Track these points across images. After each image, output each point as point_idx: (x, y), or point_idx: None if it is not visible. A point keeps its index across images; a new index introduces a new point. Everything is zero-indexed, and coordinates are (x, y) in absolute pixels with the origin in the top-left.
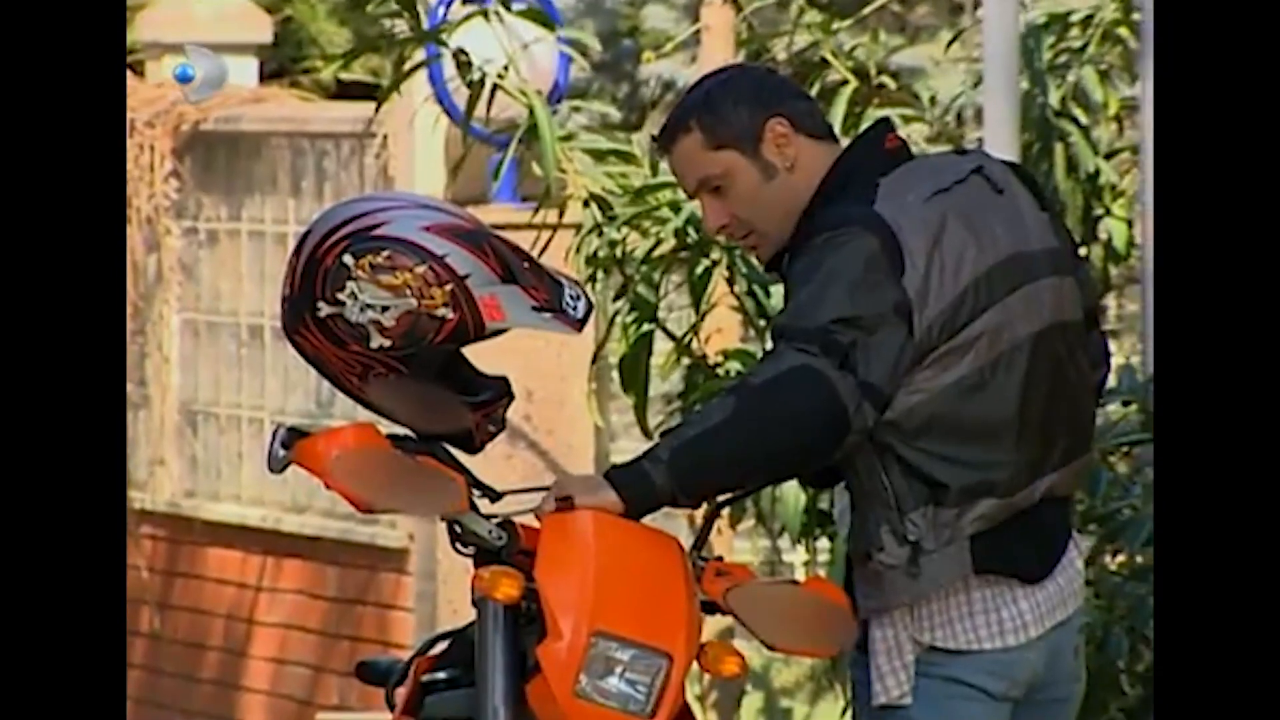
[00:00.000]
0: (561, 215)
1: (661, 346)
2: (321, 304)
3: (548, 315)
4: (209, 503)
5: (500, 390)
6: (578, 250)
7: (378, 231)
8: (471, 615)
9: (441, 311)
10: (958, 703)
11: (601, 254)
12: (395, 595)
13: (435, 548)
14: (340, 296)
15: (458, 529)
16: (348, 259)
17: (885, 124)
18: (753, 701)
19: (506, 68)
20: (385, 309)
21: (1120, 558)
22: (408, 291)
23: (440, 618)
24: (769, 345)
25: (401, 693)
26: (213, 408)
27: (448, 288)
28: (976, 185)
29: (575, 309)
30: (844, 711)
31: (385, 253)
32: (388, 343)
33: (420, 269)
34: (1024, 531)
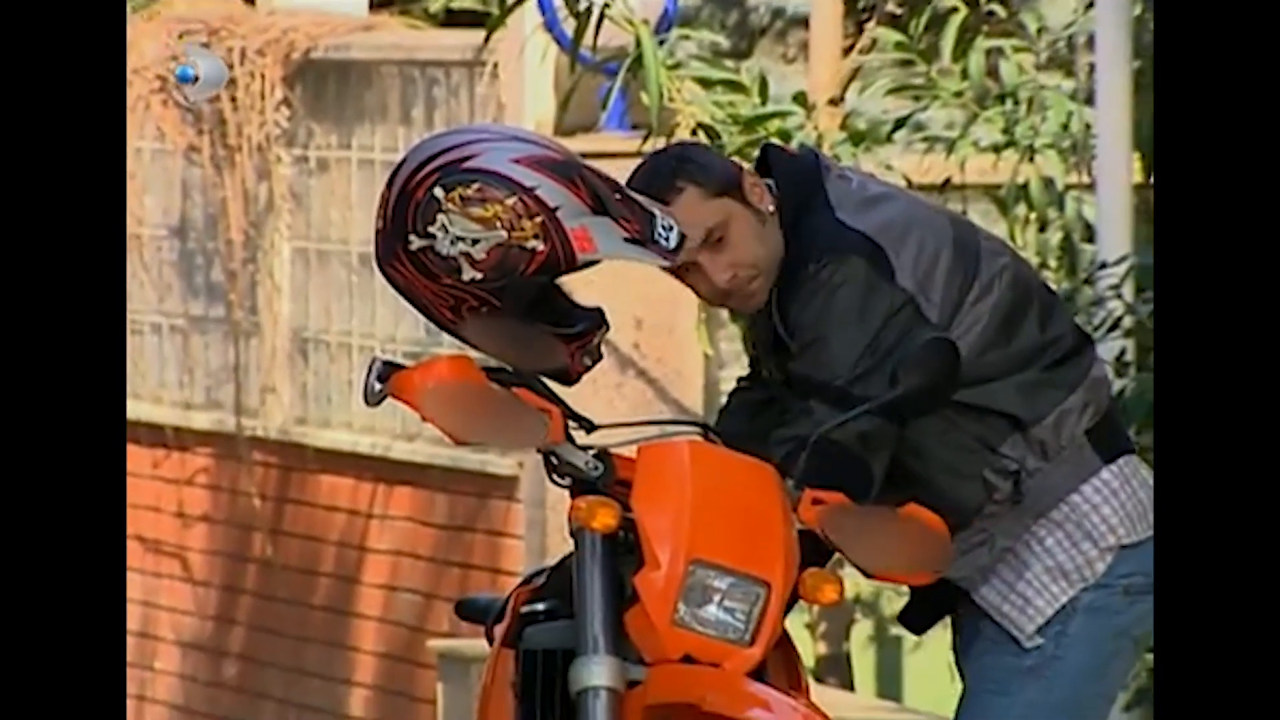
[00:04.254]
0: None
1: None
2: (413, 237)
3: (640, 246)
4: (320, 430)
5: (595, 322)
6: None
7: (468, 164)
8: None
9: (532, 244)
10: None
11: None
12: (505, 522)
13: (544, 474)
14: (431, 229)
15: (554, 460)
16: (438, 191)
17: (772, 148)
18: (862, 629)
19: None
20: (476, 241)
21: None
22: (498, 224)
23: (550, 545)
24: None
25: (501, 626)
26: (323, 335)
27: (538, 220)
28: None
29: (668, 239)
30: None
31: (475, 185)
32: (479, 275)
33: (510, 201)
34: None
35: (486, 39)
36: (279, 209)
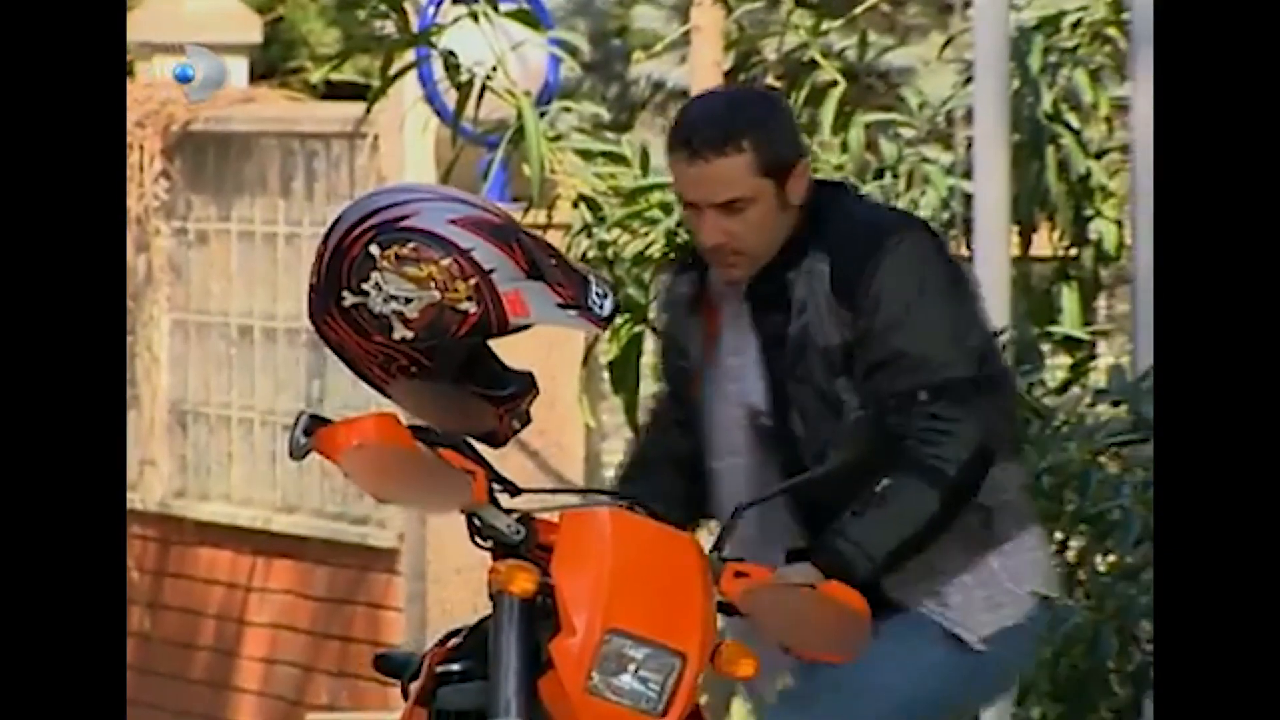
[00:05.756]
0: (551, 216)
1: (652, 346)
2: (346, 293)
3: (573, 313)
4: (199, 503)
5: (525, 385)
6: (567, 250)
7: (405, 223)
8: (462, 617)
9: (465, 305)
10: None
11: (591, 255)
12: (385, 595)
13: (425, 548)
14: (365, 286)
15: (477, 522)
16: (374, 249)
17: None
18: (742, 704)
19: (495, 68)
20: (409, 300)
21: (1110, 558)
22: (432, 284)
23: (431, 618)
24: (913, 379)
25: (416, 684)
26: (203, 408)
27: (472, 282)
28: None
29: (601, 306)
30: None
31: (411, 244)
32: (410, 334)
33: (445, 262)
34: None
35: (367, 111)
36: (158, 281)
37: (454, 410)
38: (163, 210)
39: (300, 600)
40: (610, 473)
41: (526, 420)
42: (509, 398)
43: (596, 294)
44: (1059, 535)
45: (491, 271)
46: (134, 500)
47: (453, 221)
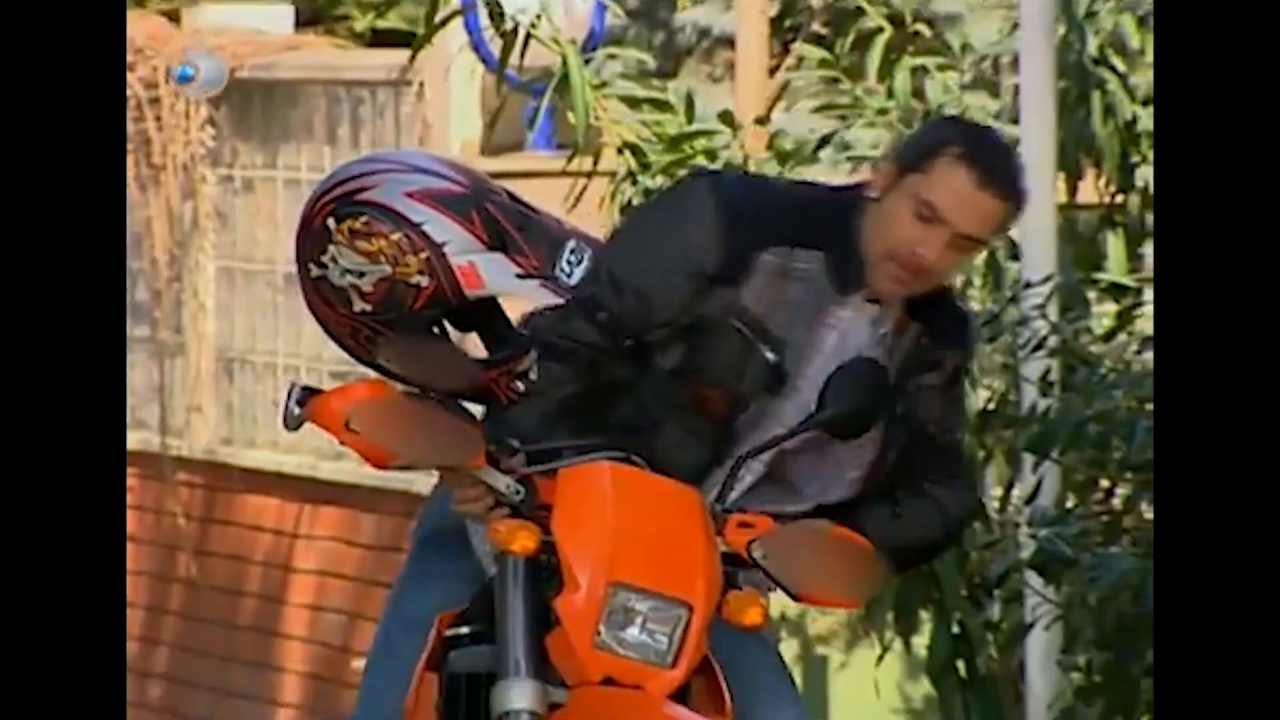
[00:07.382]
0: (596, 163)
1: None
2: (311, 265)
3: (532, 283)
4: (245, 450)
5: (521, 346)
6: (612, 198)
7: (361, 196)
8: None
9: (416, 279)
10: None
11: (636, 202)
12: None
13: None
14: (324, 259)
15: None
16: (330, 223)
17: None
18: (788, 648)
19: (540, 16)
20: (362, 274)
21: None
22: (382, 258)
23: None
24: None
25: (425, 650)
26: (249, 355)
27: (422, 255)
28: None
29: (569, 273)
30: (880, 659)
31: (364, 218)
32: (368, 307)
33: (395, 236)
34: None
35: (412, 58)
36: (204, 228)
37: (438, 367)
38: (209, 157)
39: (346, 547)
40: None
41: (530, 381)
42: (501, 361)
43: (568, 260)
44: (1105, 483)
45: (444, 244)
46: (180, 447)
47: (409, 195)
